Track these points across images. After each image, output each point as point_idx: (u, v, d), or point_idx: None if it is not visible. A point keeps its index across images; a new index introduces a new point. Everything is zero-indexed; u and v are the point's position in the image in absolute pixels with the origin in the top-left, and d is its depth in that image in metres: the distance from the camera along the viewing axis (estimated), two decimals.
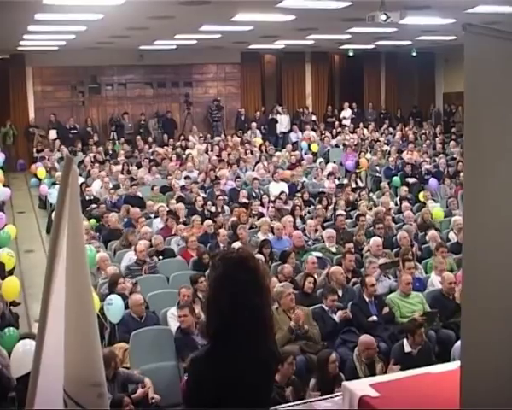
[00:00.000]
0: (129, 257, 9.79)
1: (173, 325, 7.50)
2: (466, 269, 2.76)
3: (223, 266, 2.62)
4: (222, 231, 10.68)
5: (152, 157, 17.33)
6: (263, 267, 2.76)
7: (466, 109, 2.77)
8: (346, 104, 23.00)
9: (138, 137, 19.88)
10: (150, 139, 19.87)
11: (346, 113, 22.87)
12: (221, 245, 10.40)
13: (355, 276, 9.01)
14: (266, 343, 2.66)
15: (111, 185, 14.22)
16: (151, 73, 21.61)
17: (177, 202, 12.68)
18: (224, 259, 2.65)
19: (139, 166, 16.38)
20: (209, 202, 12.71)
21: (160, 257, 10.00)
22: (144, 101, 21.82)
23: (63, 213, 2.18)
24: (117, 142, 19.71)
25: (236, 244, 9.33)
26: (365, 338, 6.80)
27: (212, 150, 18.22)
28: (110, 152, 18.42)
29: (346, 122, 22.44)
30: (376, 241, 9.95)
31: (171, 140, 19.76)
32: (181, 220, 11.78)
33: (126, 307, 7.67)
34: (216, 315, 2.57)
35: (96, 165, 16.12)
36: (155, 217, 12.15)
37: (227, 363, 2.55)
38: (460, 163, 15.45)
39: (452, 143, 19.10)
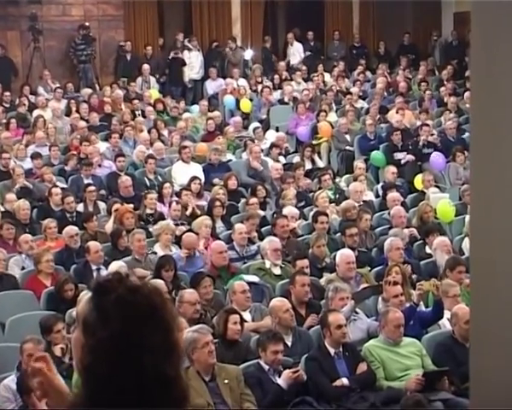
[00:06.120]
0: None
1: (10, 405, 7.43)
2: (474, 292, 2.84)
3: (97, 297, 2.48)
4: (94, 244, 10.69)
5: None
6: (170, 306, 2.55)
7: (473, 45, 2.84)
8: (291, 35, 23.06)
9: None
10: None
11: (293, 48, 22.97)
12: (93, 267, 10.43)
13: (312, 312, 9.13)
14: None
15: None
16: None
17: (19, 198, 12.61)
18: (98, 285, 2.49)
19: None
20: (72, 197, 12.67)
21: None
22: None
23: None
24: None
25: (116, 265, 9.34)
26: None
27: (77, 111, 18.13)
28: None
29: (295, 62, 22.54)
30: (346, 255, 10.12)
31: (8, 94, 19.53)
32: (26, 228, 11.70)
33: None
34: (86, 382, 2.46)
35: None
36: None
37: None
38: None
39: (468, 94, 19.24)
